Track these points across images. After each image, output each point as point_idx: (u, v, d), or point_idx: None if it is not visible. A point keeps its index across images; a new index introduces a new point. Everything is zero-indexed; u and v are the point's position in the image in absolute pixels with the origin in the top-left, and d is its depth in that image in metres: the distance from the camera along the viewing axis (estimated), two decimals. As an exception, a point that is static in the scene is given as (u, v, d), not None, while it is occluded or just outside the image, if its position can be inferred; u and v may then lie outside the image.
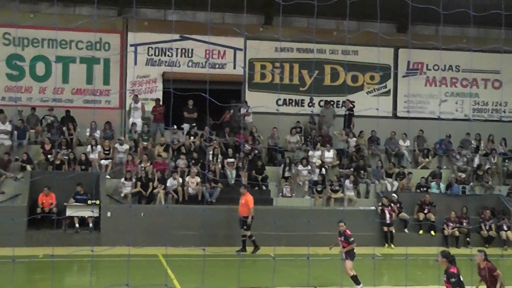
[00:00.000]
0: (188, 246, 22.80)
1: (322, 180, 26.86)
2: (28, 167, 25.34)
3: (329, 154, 28.26)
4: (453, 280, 12.12)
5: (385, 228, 25.36)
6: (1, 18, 27.81)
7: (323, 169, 27.41)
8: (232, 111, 29.37)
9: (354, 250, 17.62)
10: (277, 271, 18.35)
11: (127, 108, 28.62)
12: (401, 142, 29.78)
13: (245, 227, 23.11)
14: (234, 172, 26.46)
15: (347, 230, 17.72)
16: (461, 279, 12.24)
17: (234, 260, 21.42)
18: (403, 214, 25.96)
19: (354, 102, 30.05)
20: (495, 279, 13.41)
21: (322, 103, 30.57)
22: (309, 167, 27.24)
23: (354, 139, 29.28)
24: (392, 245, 25.04)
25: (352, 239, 17.50)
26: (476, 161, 29.61)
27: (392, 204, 25.79)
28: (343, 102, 30.54)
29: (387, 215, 25.35)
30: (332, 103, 30.63)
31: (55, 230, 23.52)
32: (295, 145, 28.75)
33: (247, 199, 23.29)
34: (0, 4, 28.56)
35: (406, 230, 25.89)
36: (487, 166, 29.41)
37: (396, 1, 24.04)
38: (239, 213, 23.35)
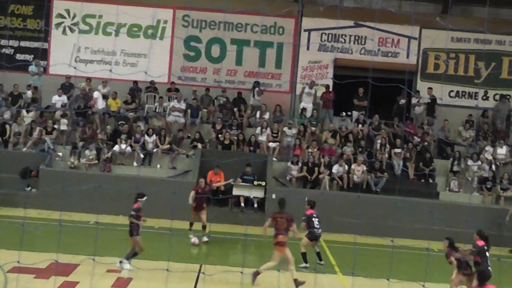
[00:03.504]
0: (351, 233, 22.89)
1: (492, 177, 25.91)
2: (199, 145, 26.32)
3: (502, 151, 27.14)
4: None
5: None
6: (181, 1, 29.05)
7: (494, 166, 26.41)
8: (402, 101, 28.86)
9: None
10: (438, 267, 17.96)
11: (299, 93, 28.92)
12: None
13: None
14: (401, 162, 26.11)
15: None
16: None
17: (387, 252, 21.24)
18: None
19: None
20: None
21: (497, 97, 29.40)
22: (479, 163, 26.31)
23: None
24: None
25: None
26: None
27: None
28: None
29: None
30: (508, 97, 29.36)
31: (221, 207, 24.38)
32: (467, 139, 27.86)
33: None
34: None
35: None
36: None
37: None
38: None
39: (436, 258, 17.63)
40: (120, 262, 15.94)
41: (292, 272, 15.57)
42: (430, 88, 28.92)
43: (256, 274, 15.66)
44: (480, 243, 14.27)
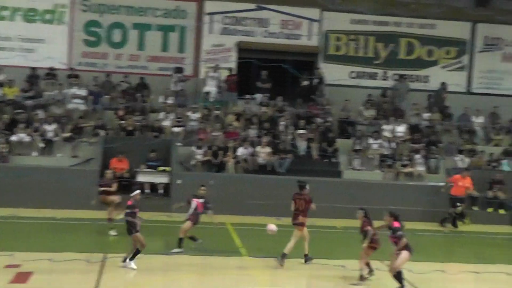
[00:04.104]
0: (257, 215, 23.13)
1: (392, 154, 26.66)
2: (102, 132, 25.88)
3: (401, 129, 27.93)
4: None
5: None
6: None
7: (394, 143, 27.17)
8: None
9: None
10: (341, 243, 18.38)
11: (203, 76, 28.83)
12: (474, 118, 29.19)
13: (458, 204, 23.89)
14: (304, 143, 26.47)
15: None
16: None
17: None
18: (473, 192, 25.48)
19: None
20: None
21: (396, 77, 30.21)
22: (380, 141, 27.01)
23: (428, 114, 28.92)
24: (466, 221, 24.65)
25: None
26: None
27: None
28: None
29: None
30: (405, 77, 30.18)
31: (125, 195, 23.99)
32: (368, 119, 28.51)
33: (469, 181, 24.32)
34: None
35: (475, 207, 25.43)
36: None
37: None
38: (453, 193, 24.03)
39: (339, 234, 18.12)
40: (124, 261, 15.45)
41: (306, 247, 16.57)
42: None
43: (284, 256, 16.26)
44: (397, 224, 14.40)
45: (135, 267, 15.28)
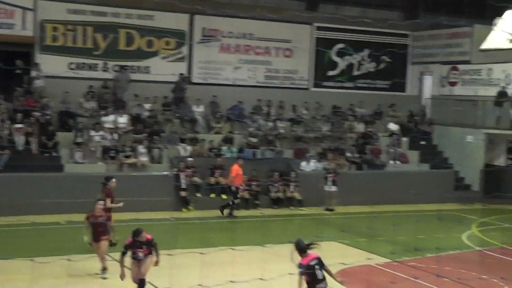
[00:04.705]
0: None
1: (115, 146, 26.50)
2: None
3: (123, 119, 27.86)
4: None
5: (182, 193, 25.52)
6: None
7: (117, 135, 27.03)
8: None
9: None
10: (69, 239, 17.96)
11: None
12: (195, 108, 30.07)
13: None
14: (23, 138, 25.31)
15: None
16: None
17: (23, 230, 20.83)
18: (196, 179, 26.26)
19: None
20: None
21: (116, 68, 30.01)
22: (102, 133, 26.71)
23: (149, 104, 29.22)
24: (190, 207, 25.31)
25: None
26: (267, 126, 30.57)
27: (187, 169, 26.00)
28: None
29: (183, 180, 25.56)
30: (126, 68, 30.11)
31: None
32: (89, 110, 28.03)
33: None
34: None
35: (198, 194, 26.23)
36: (277, 131, 30.48)
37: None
38: (236, 184, 24.98)
39: (64, 230, 17.69)
40: None
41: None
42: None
43: None
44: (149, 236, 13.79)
45: None
